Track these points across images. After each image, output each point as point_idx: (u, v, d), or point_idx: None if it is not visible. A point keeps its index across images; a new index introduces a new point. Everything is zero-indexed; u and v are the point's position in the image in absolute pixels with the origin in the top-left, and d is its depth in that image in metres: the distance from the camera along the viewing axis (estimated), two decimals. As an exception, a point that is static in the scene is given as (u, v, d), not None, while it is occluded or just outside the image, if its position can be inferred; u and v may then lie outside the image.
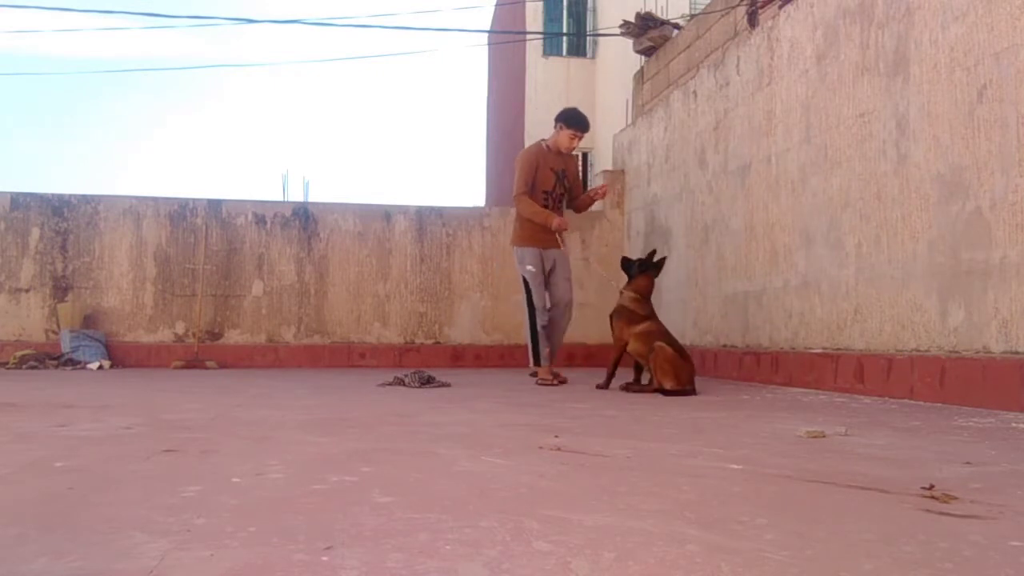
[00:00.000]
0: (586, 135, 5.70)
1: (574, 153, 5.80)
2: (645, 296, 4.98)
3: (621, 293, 5.09)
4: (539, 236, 5.55)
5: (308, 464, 2.07)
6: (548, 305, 5.54)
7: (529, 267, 5.55)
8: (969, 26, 3.83)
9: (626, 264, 5.21)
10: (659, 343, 4.60)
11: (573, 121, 5.57)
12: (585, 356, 8.14)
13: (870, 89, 4.53)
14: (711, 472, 1.99)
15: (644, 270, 5.05)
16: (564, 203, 5.73)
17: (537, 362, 5.54)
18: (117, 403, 3.85)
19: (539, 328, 5.50)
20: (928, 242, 4.07)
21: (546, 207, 5.55)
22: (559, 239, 5.56)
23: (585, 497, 1.67)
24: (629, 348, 4.86)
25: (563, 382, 5.39)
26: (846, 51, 4.75)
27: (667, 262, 7.25)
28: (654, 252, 5.22)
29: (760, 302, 5.69)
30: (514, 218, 5.77)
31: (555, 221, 5.45)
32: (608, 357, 5.15)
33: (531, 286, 5.55)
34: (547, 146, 5.65)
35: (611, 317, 5.06)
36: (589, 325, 7.81)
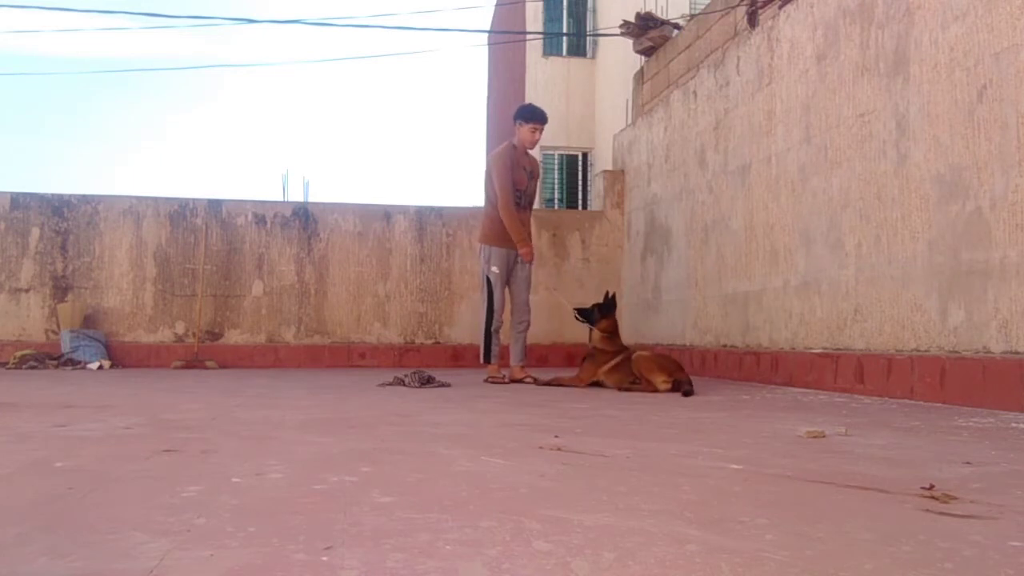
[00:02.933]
0: (545, 127, 5.76)
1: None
2: (613, 332, 5.29)
3: (591, 332, 5.34)
4: (509, 237, 5.61)
5: (308, 464, 2.07)
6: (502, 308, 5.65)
7: (494, 268, 5.61)
8: (969, 26, 3.83)
9: (586, 313, 5.42)
10: (637, 353, 4.92)
11: (531, 115, 5.68)
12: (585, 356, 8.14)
13: (870, 89, 4.53)
14: (711, 472, 1.99)
15: (605, 313, 5.33)
16: (529, 205, 5.76)
17: (488, 360, 5.63)
18: (117, 403, 3.85)
19: (492, 329, 5.60)
20: (928, 242, 4.07)
21: (519, 204, 5.63)
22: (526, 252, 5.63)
23: (585, 497, 1.67)
24: (608, 382, 5.07)
25: (511, 381, 5.51)
26: (846, 51, 4.75)
27: (667, 262, 7.29)
28: (607, 293, 5.52)
29: (760, 302, 5.69)
30: (483, 215, 5.81)
31: (525, 251, 5.58)
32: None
33: (493, 287, 5.62)
34: (515, 146, 5.69)
35: (583, 360, 5.35)
36: (589, 325, 7.82)
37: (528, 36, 14.31)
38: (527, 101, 14.17)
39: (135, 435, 2.64)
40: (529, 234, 5.70)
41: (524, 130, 5.63)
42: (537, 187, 5.82)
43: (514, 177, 5.60)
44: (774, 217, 5.51)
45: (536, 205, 6.21)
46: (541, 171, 5.75)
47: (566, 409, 3.70)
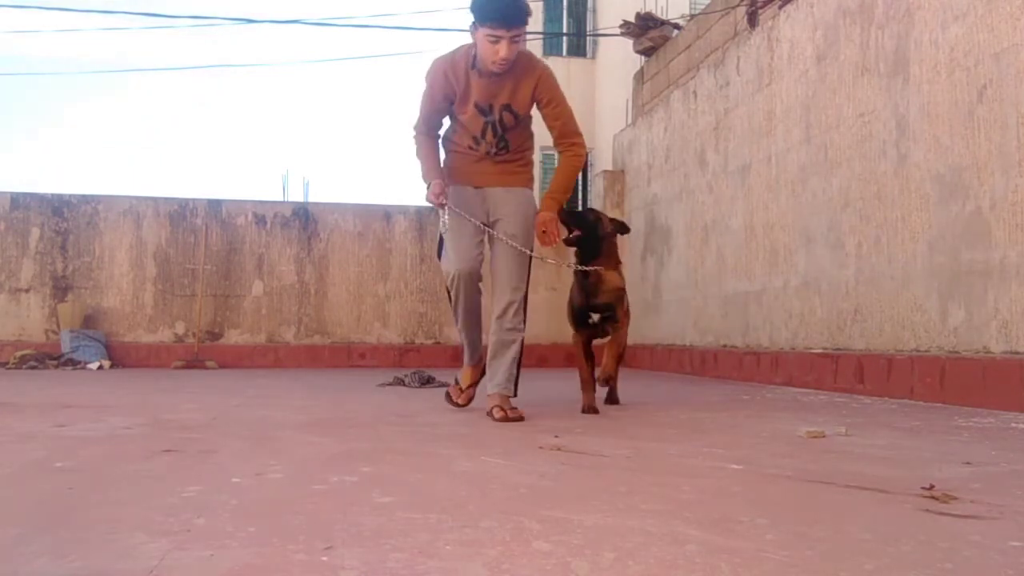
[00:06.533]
0: (523, 28, 3.17)
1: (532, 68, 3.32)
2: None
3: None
4: (465, 168, 3.48)
5: (308, 464, 2.07)
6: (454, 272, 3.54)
7: (443, 221, 3.39)
8: (969, 26, 3.83)
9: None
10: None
11: (485, 13, 3.07)
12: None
13: (870, 89, 4.53)
14: (711, 472, 1.99)
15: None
16: (511, 148, 3.48)
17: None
18: (117, 403, 3.85)
19: (456, 315, 3.69)
20: (928, 242, 4.07)
21: (478, 154, 3.44)
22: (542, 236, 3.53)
23: (585, 497, 1.67)
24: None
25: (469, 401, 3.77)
26: (846, 51, 4.75)
27: (667, 262, 7.28)
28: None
29: (760, 302, 5.69)
30: None
31: (432, 189, 3.34)
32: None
33: (444, 246, 3.50)
34: (470, 60, 3.22)
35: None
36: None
37: (528, 36, 14.33)
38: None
39: (135, 435, 2.64)
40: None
41: (480, 38, 3.10)
42: (518, 122, 3.43)
43: (457, 110, 3.34)
44: (774, 217, 5.51)
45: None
46: (548, 92, 3.40)
47: (566, 409, 3.70)
